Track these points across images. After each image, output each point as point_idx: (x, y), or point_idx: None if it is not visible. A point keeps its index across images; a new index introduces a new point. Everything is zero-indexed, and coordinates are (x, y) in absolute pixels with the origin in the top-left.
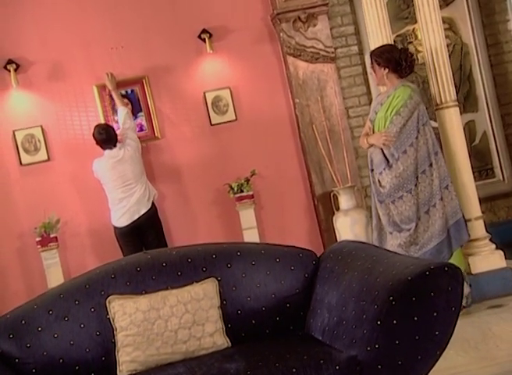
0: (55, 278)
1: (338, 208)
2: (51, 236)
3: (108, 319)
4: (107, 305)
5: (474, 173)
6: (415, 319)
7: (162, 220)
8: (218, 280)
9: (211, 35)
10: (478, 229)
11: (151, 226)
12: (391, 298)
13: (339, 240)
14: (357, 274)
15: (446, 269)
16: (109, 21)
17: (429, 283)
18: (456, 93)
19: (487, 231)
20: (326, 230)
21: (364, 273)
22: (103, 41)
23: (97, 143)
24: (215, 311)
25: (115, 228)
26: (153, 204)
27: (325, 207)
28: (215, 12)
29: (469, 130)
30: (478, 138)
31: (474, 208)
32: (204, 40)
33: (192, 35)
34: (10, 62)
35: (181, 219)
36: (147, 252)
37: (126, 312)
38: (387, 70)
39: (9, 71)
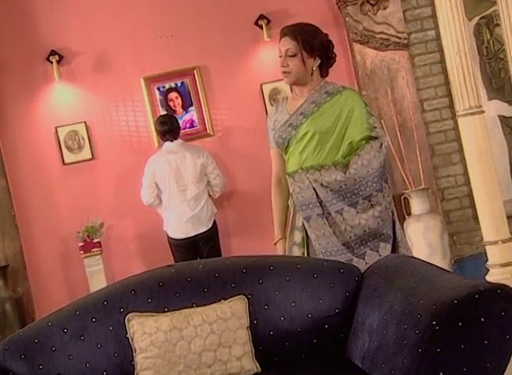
0: (98, 286)
1: (409, 213)
2: (95, 241)
3: (127, 338)
4: (126, 323)
5: None
6: (462, 347)
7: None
8: (248, 298)
9: (269, 21)
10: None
11: (209, 243)
12: (434, 322)
13: (410, 249)
14: (401, 294)
15: (499, 291)
16: (158, 7)
17: (479, 307)
18: None
19: None
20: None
21: (408, 293)
22: (151, 29)
23: (158, 134)
24: (244, 332)
25: (169, 237)
26: (214, 222)
27: None
28: None
29: None
30: None
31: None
32: (261, 26)
33: (248, 21)
34: (53, 53)
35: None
36: (171, 265)
37: (146, 332)
38: (318, 63)
39: (52, 63)
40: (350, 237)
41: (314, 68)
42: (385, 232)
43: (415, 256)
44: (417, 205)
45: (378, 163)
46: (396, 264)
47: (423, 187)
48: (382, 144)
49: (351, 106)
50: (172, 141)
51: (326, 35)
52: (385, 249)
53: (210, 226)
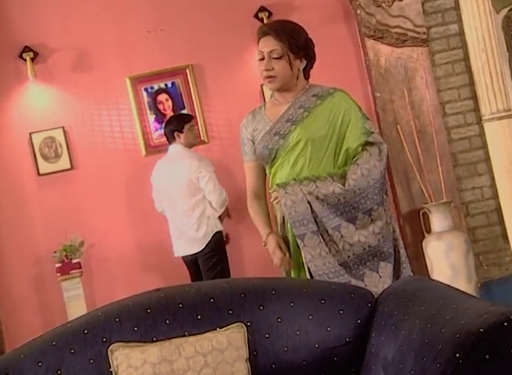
0: (78, 313)
1: (429, 231)
2: (74, 261)
3: (111, 373)
4: (109, 355)
5: None
6: None
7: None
8: (248, 326)
9: (270, 14)
10: None
11: (207, 264)
12: (457, 355)
13: (430, 270)
14: (419, 322)
15: None
16: None
17: (508, 337)
18: None
19: None
20: (415, 257)
21: (428, 321)
22: (138, 22)
23: None
24: (243, 364)
25: None
26: (214, 242)
27: (412, 228)
28: None
29: None
30: None
31: None
32: (261, 20)
33: (247, 14)
34: (26, 49)
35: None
36: (159, 289)
37: (132, 365)
38: (304, 64)
39: (25, 60)
40: (349, 257)
41: (300, 70)
42: (385, 250)
43: (436, 279)
44: (438, 221)
45: (378, 173)
46: (414, 288)
47: (445, 200)
48: (381, 151)
49: (345, 109)
50: (170, 143)
51: (307, 33)
52: (386, 269)
53: (204, 245)
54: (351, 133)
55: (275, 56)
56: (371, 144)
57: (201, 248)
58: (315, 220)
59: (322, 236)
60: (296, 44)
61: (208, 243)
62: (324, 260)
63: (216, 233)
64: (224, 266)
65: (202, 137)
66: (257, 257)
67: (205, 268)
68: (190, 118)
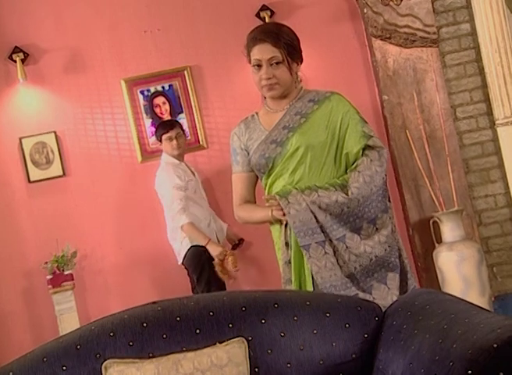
0: (70, 327)
1: (440, 241)
2: (66, 273)
3: None
4: (103, 371)
5: None
6: None
7: None
8: (249, 341)
9: (272, 13)
10: None
11: (193, 279)
12: (469, 371)
13: (441, 282)
14: (429, 337)
15: None
16: None
17: None
18: None
19: None
20: (425, 268)
21: (438, 336)
22: (134, 22)
23: None
24: None
25: None
26: (189, 257)
27: (422, 238)
28: None
29: None
30: None
31: None
32: (263, 19)
33: (248, 13)
34: (16, 50)
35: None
36: (156, 302)
37: None
38: (299, 68)
39: (15, 62)
40: (355, 268)
41: (297, 74)
42: (392, 260)
43: (447, 292)
44: (449, 230)
45: (380, 179)
46: (423, 301)
47: (456, 209)
48: (381, 156)
49: (343, 113)
50: None
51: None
52: (394, 280)
53: (182, 259)
54: (350, 137)
55: (274, 62)
56: (371, 148)
57: (181, 261)
58: (321, 230)
59: (329, 246)
60: (293, 48)
61: (184, 257)
62: (330, 272)
63: (191, 247)
64: (208, 283)
65: (201, 143)
66: (259, 268)
67: (193, 285)
68: (168, 128)
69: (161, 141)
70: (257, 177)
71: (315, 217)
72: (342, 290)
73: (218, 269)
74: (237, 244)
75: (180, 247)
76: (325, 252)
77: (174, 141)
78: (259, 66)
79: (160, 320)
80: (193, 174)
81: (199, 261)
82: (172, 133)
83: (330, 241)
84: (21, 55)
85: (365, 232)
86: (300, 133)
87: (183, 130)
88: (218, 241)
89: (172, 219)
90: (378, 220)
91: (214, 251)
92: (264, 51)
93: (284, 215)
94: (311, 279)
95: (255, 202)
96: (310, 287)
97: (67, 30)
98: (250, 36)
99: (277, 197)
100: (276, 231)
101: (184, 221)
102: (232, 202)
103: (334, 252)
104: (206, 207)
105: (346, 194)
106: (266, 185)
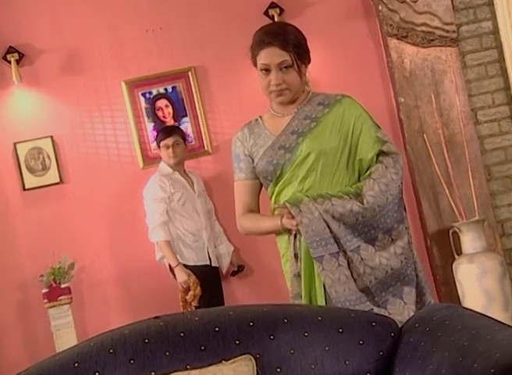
0: (67, 344)
1: (460, 252)
2: (63, 286)
3: None
4: None
5: None
6: None
7: None
8: (257, 358)
9: (282, 10)
10: None
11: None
12: None
13: (461, 297)
14: (449, 355)
15: None
16: None
17: None
18: None
19: None
20: (444, 282)
21: (458, 353)
22: (135, 20)
23: None
24: None
25: None
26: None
27: (441, 250)
28: None
29: None
30: None
31: None
32: (272, 17)
33: (256, 11)
34: (11, 50)
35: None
36: (158, 317)
37: None
38: (307, 70)
39: (10, 62)
40: (370, 281)
41: (306, 76)
42: (408, 273)
43: (468, 307)
44: (469, 241)
45: (396, 187)
46: (442, 316)
47: (477, 218)
48: (396, 163)
49: (355, 117)
50: None
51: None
52: (410, 295)
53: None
54: (364, 143)
55: (284, 66)
56: (385, 154)
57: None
58: (335, 241)
59: (343, 258)
60: (302, 50)
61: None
62: (344, 286)
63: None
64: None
65: (206, 148)
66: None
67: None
68: (166, 135)
69: (160, 147)
70: (261, 185)
71: (328, 227)
72: (356, 304)
73: (180, 295)
74: (236, 271)
75: (161, 259)
76: (339, 264)
77: (170, 150)
78: (267, 70)
79: (162, 336)
80: (192, 184)
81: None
82: (168, 141)
83: (344, 252)
84: (16, 55)
85: (380, 243)
86: (310, 138)
87: (184, 138)
88: (210, 261)
89: (149, 233)
90: (393, 231)
91: (179, 277)
92: (272, 56)
93: (296, 224)
94: (322, 293)
95: (259, 211)
96: (321, 302)
97: (64, 28)
98: (256, 39)
99: (288, 205)
100: (284, 242)
101: (160, 237)
102: (235, 212)
103: (348, 264)
104: (200, 221)
105: (361, 203)
106: (273, 193)
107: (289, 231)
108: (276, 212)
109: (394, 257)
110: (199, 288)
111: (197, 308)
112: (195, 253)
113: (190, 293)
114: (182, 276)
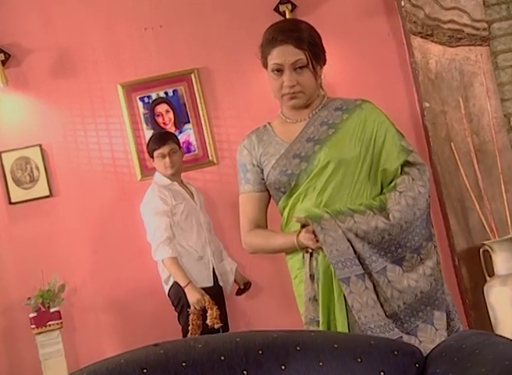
0: (57, 374)
1: (492, 273)
2: (52, 310)
3: None
4: None
5: None
6: None
7: None
8: None
9: (294, 6)
10: None
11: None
12: None
13: (493, 322)
14: None
15: None
16: None
17: None
18: None
19: None
20: (473, 306)
21: None
22: (133, 18)
23: None
24: None
25: None
26: (171, 289)
27: (471, 270)
28: None
29: None
30: None
31: None
32: (283, 14)
33: (265, 7)
34: None
35: None
36: (158, 344)
37: None
38: (322, 71)
39: None
40: (399, 306)
41: (321, 78)
42: (438, 296)
43: (501, 334)
44: (503, 261)
45: (424, 201)
46: (472, 344)
47: (511, 236)
48: (422, 175)
49: (378, 123)
50: None
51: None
52: (442, 320)
53: (167, 294)
54: (388, 152)
55: (298, 66)
56: (410, 165)
57: (167, 293)
58: (359, 261)
59: (369, 280)
60: (318, 48)
61: (168, 293)
62: (372, 311)
63: (174, 283)
64: (186, 327)
65: (210, 157)
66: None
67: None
68: (159, 144)
69: (152, 157)
70: (269, 198)
71: (353, 247)
72: (386, 331)
73: (191, 318)
74: (243, 289)
75: (164, 279)
76: (366, 287)
77: (167, 159)
78: (279, 70)
79: (163, 366)
80: (193, 196)
81: (181, 301)
82: (164, 150)
83: (369, 274)
84: (1, 55)
85: (408, 263)
86: (329, 146)
87: (179, 145)
88: (216, 281)
89: (153, 251)
90: (422, 249)
91: (191, 297)
92: (286, 54)
93: (316, 241)
94: (344, 318)
95: (267, 227)
96: (343, 328)
97: (55, 26)
98: (267, 36)
99: (309, 220)
100: (296, 262)
101: (166, 255)
102: (240, 227)
103: (374, 287)
104: (203, 236)
105: (387, 219)
106: (286, 207)
107: (305, 250)
108: (294, 220)
109: (423, 278)
110: (216, 307)
111: (224, 329)
112: (200, 272)
113: (209, 314)
114: (194, 295)
